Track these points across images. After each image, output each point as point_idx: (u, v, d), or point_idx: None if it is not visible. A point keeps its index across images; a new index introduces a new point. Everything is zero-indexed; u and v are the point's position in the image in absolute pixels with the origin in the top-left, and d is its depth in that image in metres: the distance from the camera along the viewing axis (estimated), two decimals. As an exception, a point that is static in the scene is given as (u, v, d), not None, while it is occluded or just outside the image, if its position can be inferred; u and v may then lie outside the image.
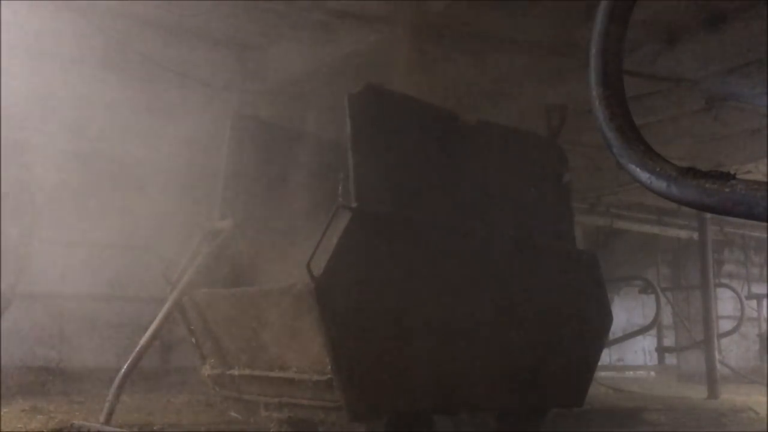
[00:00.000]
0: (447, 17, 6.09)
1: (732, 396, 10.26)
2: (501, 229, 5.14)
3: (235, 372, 5.01)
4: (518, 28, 6.35)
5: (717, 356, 10.87)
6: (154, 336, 5.16)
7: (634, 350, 15.10)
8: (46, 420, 5.68)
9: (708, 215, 10.90)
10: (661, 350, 14.76)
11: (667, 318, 14.78)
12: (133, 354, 5.02)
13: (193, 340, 5.35)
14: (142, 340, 5.09)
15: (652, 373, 14.75)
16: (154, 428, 5.62)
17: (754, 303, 14.86)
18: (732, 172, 1.60)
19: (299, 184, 5.55)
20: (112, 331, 9.37)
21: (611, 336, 9.43)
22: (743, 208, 1.50)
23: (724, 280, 14.13)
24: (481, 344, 4.95)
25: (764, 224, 10.49)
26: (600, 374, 9.92)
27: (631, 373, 14.51)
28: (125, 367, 4.96)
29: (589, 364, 5.80)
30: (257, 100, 7.73)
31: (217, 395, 5.34)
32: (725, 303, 14.61)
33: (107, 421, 4.76)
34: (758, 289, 15.10)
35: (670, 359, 14.96)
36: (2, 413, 5.84)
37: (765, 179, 1.82)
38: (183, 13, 6.17)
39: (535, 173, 5.65)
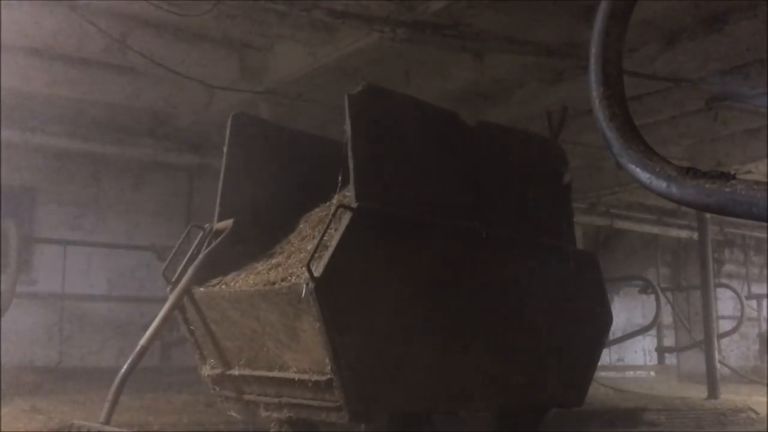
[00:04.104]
0: (447, 17, 6.09)
1: (732, 396, 10.26)
2: (501, 229, 5.13)
3: (235, 372, 5.00)
4: (518, 28, 6.35)
5: (717, 356, 10.87)
6: (154, 336, 5.15)
7: (634, 350, 15.11)
8: (46, 420, 5.68)
9: (708, 215, 10.89)
10: (661, 350, 14.76)
11: (667, 318, 14.79)
12: (133, 354, 5.01)
13: (193, 340, 5.34)
14: (142, 340, 5.09)
15: (652, 373, 14.76)
16: (154, 428, 5.62)
17: (754, 303, 14.87)
18: (732, 172, 1.60)
19: (299, 184, 5.55)
20: (112, 331, 9.39)
21: (611, 336, 9.45)
22: (743, 208, 1.50)
23: (724, 280, 14.13)
24: (480, 344, 4.95)
25: (764, 224, 10.49)
26: (600, 374, 9.92)
27: (631, 373, 14.52)
28: (125, 367, 4.96)
29: (589, 364, 5.79)
30: (257, 100, 7.73)
31: (217, 395, 5.33)
32: (725, 303, 14.62)
33: (107, 421, 4.75)
34: (758, 289, 15.11)
35: (670, 359, 14.97)
36: (2, 413, 5.85)
37: (765, 179, 1.82)
38: (183, 13, 6.16)
39: (535, 173, 5.64)
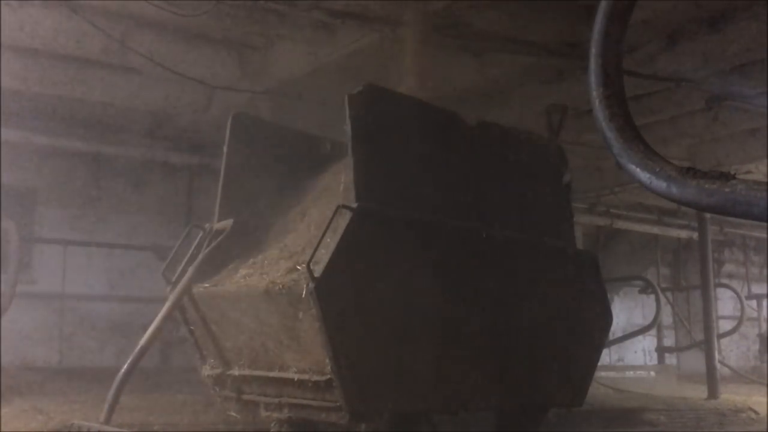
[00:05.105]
0: (447, 17, 6.09)
1: (732, 396, 10.25)
2: (501, 229, 5.13)
3: (235, 372, 5.01)
4: (518, 28, 6.35)
5: (717, 356, 10.86)
6: (154, 336, 5.15)
7: (634, 350, 15.11)
8: (46, 420, 5.67)
9: (708, 215, 10.89)
10: (661, 350, 14.76)
11: (667, 318, 14.79)
12: (133, 354, 5.01)
13: (193, 340, 5.34)
14: (142, 340, 5.09)
15: (652, 373, 14.75)
16: (154, 428, 5.61)
17: (754, 303, 14.87)
18: (732, 172, 1.60)
19: (298, 183, 5.55)
20: (112, 331, 9.39)
21: (611, 336, 9.44)
22: (743, 208, 1.50)
23: (724, 280, 14.13)
24: (481, 344, 4.95)
25: (764, 224, 10.49)
26: (600, 374, 9.91)
27: (631, 373, 14.51)
28: (125, 367, 4.96)
29: (589, 364, 5.80)
30: (257, 100, 7.73)
31: (217, 395, 5.33)
32: (725, 303, 14.62)
33: (107, 421, 4.76)
34: (758, 289, 15.11)
35: (670, 359, 14.97)
36: (2, 413, 5.84)
37: (765, 179, 1.82)
38: (183, 13, 6.16)
39: (535, 173, 5.64)
